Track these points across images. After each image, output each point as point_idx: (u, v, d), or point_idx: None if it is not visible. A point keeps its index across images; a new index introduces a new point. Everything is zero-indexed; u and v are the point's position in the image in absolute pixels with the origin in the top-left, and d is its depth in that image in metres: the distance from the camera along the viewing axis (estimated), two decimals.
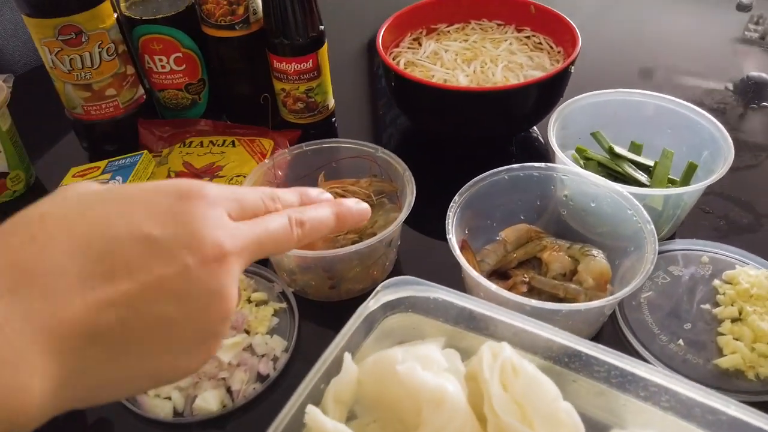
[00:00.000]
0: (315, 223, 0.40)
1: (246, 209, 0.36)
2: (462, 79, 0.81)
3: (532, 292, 0.60)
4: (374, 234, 0.65)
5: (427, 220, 0.70)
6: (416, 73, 0.83)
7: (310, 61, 0.80)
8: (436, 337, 0.53)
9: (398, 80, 0.78)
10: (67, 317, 0.28)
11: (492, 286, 0.53)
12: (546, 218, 0.68)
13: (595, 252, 0.61)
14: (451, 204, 0.60)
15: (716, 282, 0.64)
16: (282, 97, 0.84)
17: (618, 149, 0.73)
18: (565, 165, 0.65)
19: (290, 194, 0.41)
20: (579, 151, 0.75)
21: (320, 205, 0.42)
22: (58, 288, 0.28)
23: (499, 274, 0.64)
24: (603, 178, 0.63)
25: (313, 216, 0.40)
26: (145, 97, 0.85)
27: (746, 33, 1.06)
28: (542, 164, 0.63)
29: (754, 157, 0.83)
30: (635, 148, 0.75)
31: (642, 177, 0.71)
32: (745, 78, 0.96)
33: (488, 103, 0.76)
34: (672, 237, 0.71)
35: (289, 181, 0.72)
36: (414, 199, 0.64)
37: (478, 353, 0.48)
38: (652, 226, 0.58)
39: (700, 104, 0.89)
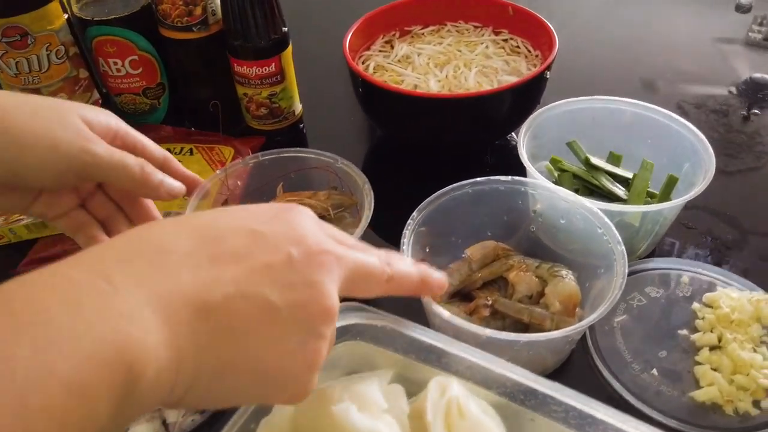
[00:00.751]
0: (403, 279, 0.41)
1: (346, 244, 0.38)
2: (433, 84, 0.76)
3: (496, 315, 0.56)
4: None
5: (394, 234, 0.66)
6: (385, 78, 0.79)
7: (273, 64, 0.76)
8: (385, 369, 0.49)
9: (364, 86, 0.74)
10: (177, 289, 0.29)
11: (444, 314, 0.49)
12: (515, 234, 0.63)
13: (564, 273, 0.57)
14: (408, 222, 0.56)
15: (695, 305, 0.60)
16: (245, 102, 0.80)
17: (594, 160, 0.68)
18: (535, 178, 0.61)
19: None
20: (553, 161, 0.70)
21: (406, 263, 0.42)
22: (169, 262, 0.30)
23: (462, 295, 0.60)
24: (573, 193, 0.58)
25: (402, 270, 0.41)
26: (101, 102, 0.81)
27: (750, 34, 1.02)
28: (508, 177, 0.59)
29: (757, 158, 0.79)
30: (614, 158, 0.71)
31: (619, 191, 0.67)
32: (749, 80, 0.92)
33: (458, 110, 0.71)
34: (651, 255, 0.67)
35: (247, 193, 0.68)
36: (372, 213, 0.59)
37: (425, 389, 0.44)
38: (623, 247, 0.54)
39: (701, 107, 0.85)
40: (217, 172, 0.64)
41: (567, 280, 0.56)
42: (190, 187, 0.55)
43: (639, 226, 0.62)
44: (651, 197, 0.67)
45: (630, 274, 0.63)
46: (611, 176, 0.69)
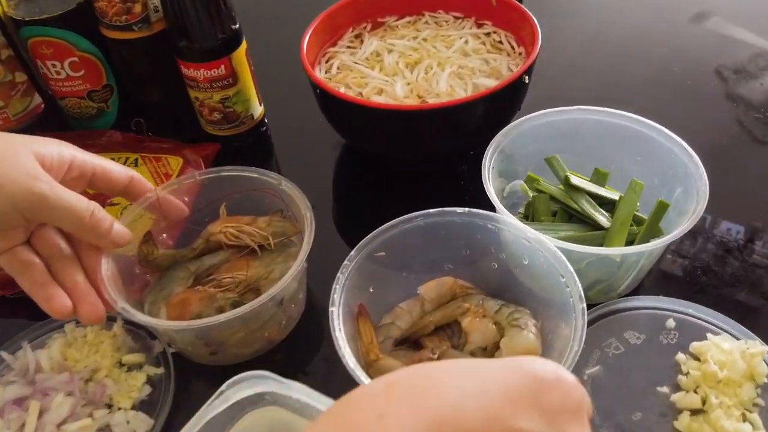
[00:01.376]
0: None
1: None
2: (399, 89, 0.68)
3: None
4: (266, 286, 0.55)
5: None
6: (349, 80, 0.71)
7: (222, 66, 0.69)
8: None
9: (321, 94, 0.66)
10: None
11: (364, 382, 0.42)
12: (477, 269, 0.56)
13: (524, 322, 0.50)
14: (344, 264, 0.49)
15: (680, 356, 0.52)
16: (197, 106, 0.73)
17: (575, 180, 0.60)
18: (498, 206, 0.53)
19: None
20: (529, 180, 0.62)
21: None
22: None
23: (411, 342, 0.53)
24: (534, 231, 0.50)
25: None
26: (43, 106, 0.75)
27: None
28: (464, 209, 0.52)
29: None
30: (599, 176, 0.62)
31: (602, 217, 0.58)
32: None
33: (424, 121, 0.63)
34: (634, 292, 0.59)
35: (191, 213, 0.61)
36: (310, 247, 0.52)
37: None
38: (584, 305, 0.46)
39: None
40: (148, 194, 0.57)
41: (525, 332, 0.49)
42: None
43: (620, 260, 0.54)
44: (638, 224, 0.59)
45: (608, 314, 0.56)
46: (595, 197, 0.60)
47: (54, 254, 0.49)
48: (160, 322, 0.51)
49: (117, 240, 0.50)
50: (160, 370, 0.55)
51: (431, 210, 0.52)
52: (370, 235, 0.51)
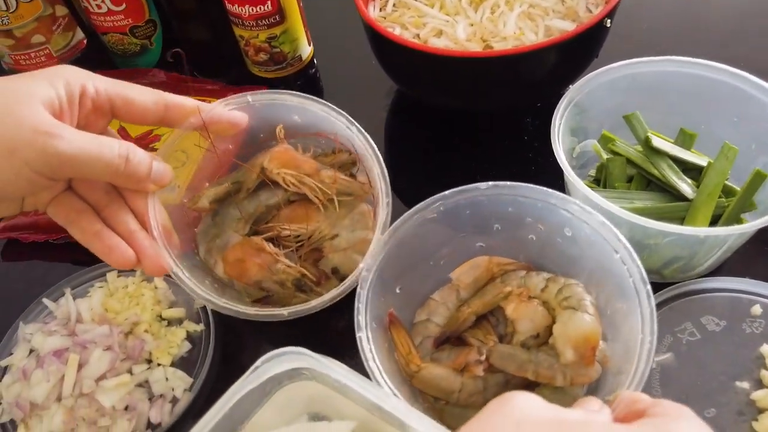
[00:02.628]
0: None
1: None
2: (461, 31, 0.61)
3: (494, 369, 0.44)
4: (329, 250, 0.51)
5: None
6: (405, 19, 0.64)
7: (268, 2, 0.63)
8: (346, 420, 0.41)
9: (374, 35, 0.60)
10: None
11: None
12: (513, 243, 0.50)
13: (577, 301, 0.44)
14: (362, 276, 0.44)
15: (765, 348, 0.47)
16: (242, 45, 0.69)
17: (657, 141, 0.53)
18: (566, 171, 0.48)
19: None
20: (604, 140, 0.55)
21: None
22: None
23: (453, 340, 0.48)
24: (602, 201, 0.44)
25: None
26: (86, 42, 0.72)
27: None
28: (488, 184, 0.46)
29: None
30: (685, 138, 0.55)
31: (685, 186, 0.52)
32: None
33: (486, 70, 0.57)
34: (716, 272, 0.52)
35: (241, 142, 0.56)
36: (389, 215, 0.47)
37: None
38: (648, 287, 0.40)
39: None
40: (191, 119, 0.48)
41: (581, 314, 0.43)
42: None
43: (704, 237, 0.48)
44: (728, 195, 0.52)
45: (685, 295, 0.51)
46: (678, 162, 0.53)
47: (99, 199, 0.45)
48: (217, 300, 0.47)
49: (158, 181, 0.45)
50: (200, 327, 0.53)
51: (447, 192, 0.46)
52: (386, 232, 0.46)
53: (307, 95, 0.51)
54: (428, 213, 0.46)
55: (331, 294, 0.46)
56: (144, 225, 0.46)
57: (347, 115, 0.50)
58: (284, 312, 0.45)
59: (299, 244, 0.51)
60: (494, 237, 0.49)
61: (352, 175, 0.54)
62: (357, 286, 0.43)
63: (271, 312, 0.46)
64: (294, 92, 0.51)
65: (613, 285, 0.44)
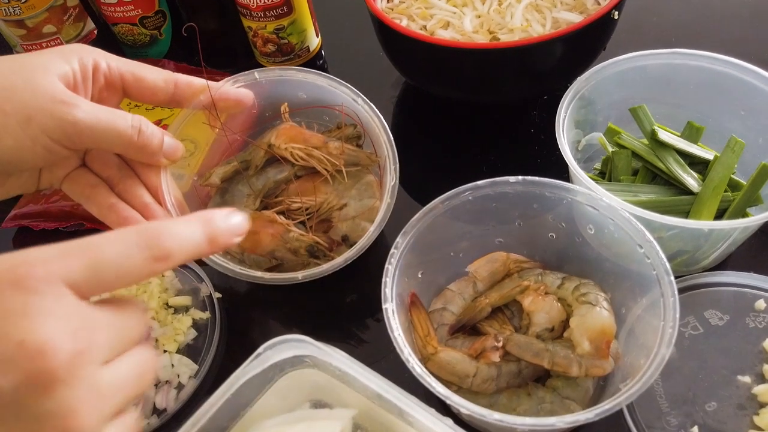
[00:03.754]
0: (184, 250, 0.32)
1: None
2: (468, 22, 0.61)
3: (509, 356, 0.45)
4: (337, 220, 0.52)
5: (420, 196, 0.54)
6: (413, 10, 0.64)
7: None
8: (348, 408, 0.41)
9: (381, 27, 0.60)
10: None
11: (465, 409, 0.37)
12: (531, 241, 0.50)
13: (593, 297, 0.45)
14: (391, 253, 0.44)
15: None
16: (250, 36, 0.69)
17: (663, 134, 0.53)
18: (570, 163, 0.48)
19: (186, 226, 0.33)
20: (609, 132, 0.55)
21: (183, 227, 0.33)
22: None
23: (468, 328, 0.48)
24: (606, 197, 0.44)
25: (177, 240, 0.31)
26: (96, 32, 0.73)
27: None
28: (518, 178, 0.45)
29: None
30: (692, 131, 0.55)
31: (691, 180, 0.51)
32: None
33: (492, 62, 0.57)
34: (720, 266, 0.52)
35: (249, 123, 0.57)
36: (397, 181, 0.49)
37: None
38: (671, 278, 0.41)
39: None
40: (201, 97, 0.49)
41: (598, 309, 0.44)
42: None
43: (709, 231, 0.48)
44: (734, 189, 0.52)
45: (688, 289, 0.51)
46: (685, 156, 0.53)
47: (113, 174, 0.46)
48: (233, 267, 0.49)
49: (170, 155, 0.46)
50: (206, 315, 0.54)
51: (480, 182, 0.46)
52: (416, 216, 0.46)
53: (313, 70, 0.53)
54: (457, 201, 0.46)
55: (344, 256, 0.47)
56: (157, 199, 0.47)
57: (352, 87, 0.52)
58: (298, 275, 0.47)
59: (309, 216, 0.52)
60: (514, 233, 0.50)
61: (359, 147, 0.55)
62: (386, 263, 0.43)
63: (285, 276, 0.47)
64: (300, 67, 0.53)
65: (633, 282, 0.44)
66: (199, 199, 0.55)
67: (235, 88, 0.50)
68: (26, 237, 0.63)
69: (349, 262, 0.48)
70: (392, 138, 0.50)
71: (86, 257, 0.28)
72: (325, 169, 0.53)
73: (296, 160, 0.53)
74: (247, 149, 0.55)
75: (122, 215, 0.45)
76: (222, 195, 0.55)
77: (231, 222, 0.36)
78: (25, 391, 0.25)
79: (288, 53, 0.69)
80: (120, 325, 0.30)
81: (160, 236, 0.31)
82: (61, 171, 0.45)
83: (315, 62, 0.73)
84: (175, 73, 0.47)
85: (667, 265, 0.41)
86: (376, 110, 0.51)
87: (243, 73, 0.52)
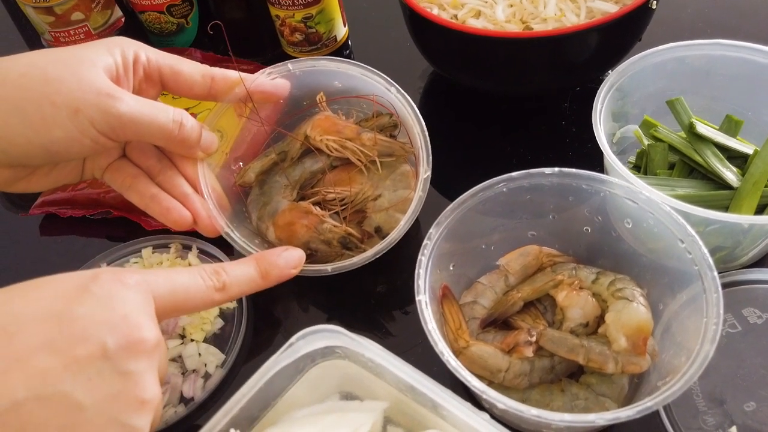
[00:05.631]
0: (241, 283, 0.41)
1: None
2: (500, 11, 0.60)
3: (542, 351, 0.44)
4: (372, 211, 0.52)
5: (449, 192, 0.53)
6: (443, 0, 0.63)
7: None
8: (379, 401, 0.41)
9: (411, 15, 0.59)
10: None
11: (500, 403, 0.36)
12: (565, 235, 0.49)
13: (630, 293, 0.44)
14: (424, 244, 0.43)
15: None
16: (278, 25, 0.69)
17: (702, 128, 0.51)
18: (608, 156, 0.47)
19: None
20: (645, 125, 0.54)
21: (241, 265, 0.41)
22: None
23: (500, 323, 0.47)
24: (647, 190, 0.43)
25: (236, 275, 0.41)
26: (123, 20, 0.72)
27: None
28: (554, 170, 0.44)
29: None
30: (731, 125, 0.53)
31: (730, 174, 0.50)
32: None
33: (525, 52, 0.56)
34: (760, 262, 0.51)
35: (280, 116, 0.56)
36: (430, 173, 0.48)
37: None
38: (715, 273, 0.39)
39: None
40: (236, 90, 0.49)
41: (635, 304, 0.43)
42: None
43: (749, 227, 0.46)
44: None
45: (726, 286, 0.49)
46: (723, 150, 0.52)
47: (153, 165, 0.48)
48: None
49: (207, 148, 0.48)
50: (233, 305, 0.54)
51: (515, 173, 0.45)
52: (449, 207, 0.45)
53: (346, 59, 0.52)
54: (492, 193, 0.45)
55: (374, 250, 0.47)
56: (196, 190, 0.48)
57: (386, 77, 0.51)
58: (328, 268, 0.47)
59: (343, 207, 0.52)
60: (548, 227, 0.49)
61: (393, 137, 0.54)
62: (419, 254, 0.43)
63: (316, 268, 0.47)
64: (332, 57, 0.53)
65: (671, 278, 0.43)
66: (228, 185, 0.55)
67: (270, 80, 0.51)
68: (53, 224, 0.63)
69: (379, 255, 0.47)
70: (425, 128, 0.50)
71: (167, 275, 0.36)
72: (359, 160, 0.52)
73: (331, 152, 0.53)
74: (285, 140, 0.55)
75: (164, 205, 0.46)
76: (261, 186, 0.55)
77: (282, 258, 0.44)
78: (122, 350, 0.31)
79: (315, 42, 0.69)
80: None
81: (220, 272, 0.39)
82: (103, 161, 0.47)
83: (342, 52, 0.72)
84: (212, 68, 0.48)
85: (710, 260, 0.40)
86: (410, 100, 0.50)
87: (276, 65, 0.52)
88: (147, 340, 0.32)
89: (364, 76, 0.52)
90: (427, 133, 0.49)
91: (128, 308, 0.32)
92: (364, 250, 0.48)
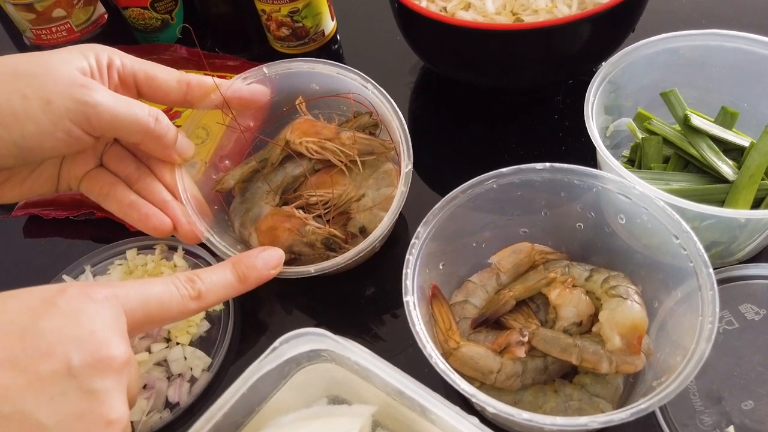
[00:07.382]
0: (218, 289, 0.40)
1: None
2: (490, 3, 0.59)
3: (534, 351, 0.43)
4: (356, 211, 0.50)
5: (439, 185, 0.52)
6: None
7: None
8: (367, 405, 0.40)
9: (400, 8, 0.58)
10: None
11: (490, 407, 0.35)
12: (557, 232, 0.48)
13: (624, 290, 0.43)
14: (412, 243, 0.42)
15: None
16: (264, 20, 0.67)
17: (696, 120, 0.50)
18: (601, 151, 0.45)
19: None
20: (639, 118, 0.53)
21: (217, 271, 0.40)
22: None
23: (491, 322, 0.46)
24: (640, 185, 0.42)
25: (212, 281, 0.39)
26: (107, 17, 0.71)
27: None
28: (545, 165, 0.43)
29: None
30: (727, 117, 0.52)
31: (725, 167, 0.49)
32: None
33: (516, 44, 0.54)
34: (756, 258, 0.50)
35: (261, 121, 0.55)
36: (411, 167, 0.47)
37: None
38: (710, 270, 0.38)
39: None
40: (212, 96, 0.48)
41: (629, 302, 0.42)
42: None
43: (745, 222, 0.45)
44: None
45: (722, 282, 0.48)
46: (719, 143, 0.51)
47: (130, 173, 0.47)
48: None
49: (182, 153, 0.47)
50: (219, 307, 0.52)
51: (505, 169, 0.44)
52: (437, 205, 0.44)
53: (320, 59, 0.51)
54: (480, 189, 0.44)
55: (356, 249, 0.46)
56: (175, 196, 0.47)
57: (361, 74, 0.50)
58: (311, 269, 0.46)
59: (327, 209, 0.51)
60: (540, 224, 0.48)
61: (372, 134, 0.53)
62: (407, 253, 0.42)
63: (298, 269, 0.46)
64: (307, 58, 0.52)
65: (665, 274, 0.42)
66: (210, 191, 0.53)
67: (247, 86, 0.50)
68: (37, 226, 0.62)
69: (361, 254, 0.46)
70: (405, 123, 0.48)
71: (138, 287, 0.35)
72: (340, 161, 0.51)
73: (311, 154, 0.51)
74: (266, 147, 0.54)
75: (143, 212, 0.45)
76: (243, 194, 0.54)
77: (260, 259, 0.42)
78: (88, 368, 0.29)
79: (302, 37, 0.67)
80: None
81: (195, 279, 0.38)
82: (79, 170, 0.46)
83: (330, 47, 0.71)
84: (188, 74, 0.47)
85: (705, 256, 0.39)
86: (387, 95, 0.49)
87: (251, 69, 0.51)
88: (115, 357, 0.30)
89: (340, 75, 0.51)
90: (406, 127, 0.48)
91: (96, 324, 0.31)
92: (349, 251, 0.46)
